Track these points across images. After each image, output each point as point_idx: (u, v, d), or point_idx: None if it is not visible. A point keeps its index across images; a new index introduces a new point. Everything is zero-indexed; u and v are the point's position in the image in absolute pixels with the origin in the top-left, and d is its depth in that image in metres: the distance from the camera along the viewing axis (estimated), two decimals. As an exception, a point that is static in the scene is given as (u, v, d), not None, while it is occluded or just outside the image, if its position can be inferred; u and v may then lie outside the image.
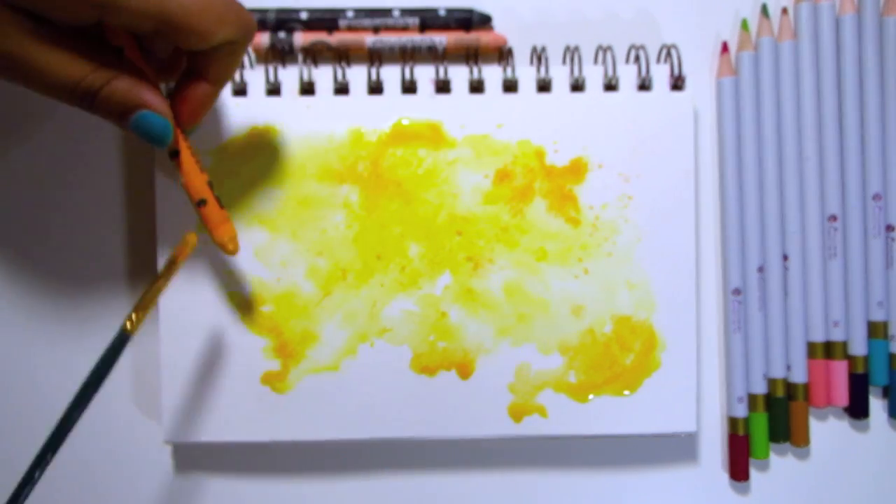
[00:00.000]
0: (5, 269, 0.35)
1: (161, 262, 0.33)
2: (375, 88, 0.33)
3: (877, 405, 0.36)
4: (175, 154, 0.28)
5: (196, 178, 0.28)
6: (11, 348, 0.35)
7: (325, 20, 0.35)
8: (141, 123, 0.25)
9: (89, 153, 0.35)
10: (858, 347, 0.35)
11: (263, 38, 0.35)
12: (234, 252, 0.29)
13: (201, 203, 0.29)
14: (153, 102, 0.25)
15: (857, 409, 0.36)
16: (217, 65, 0.26)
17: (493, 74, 0.33)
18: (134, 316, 0.27)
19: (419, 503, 0.36)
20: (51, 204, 0.35)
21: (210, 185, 0.29)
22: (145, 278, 0.35)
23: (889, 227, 0.35)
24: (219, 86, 0.27)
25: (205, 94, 0.27)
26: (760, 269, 0.35)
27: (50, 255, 0.35)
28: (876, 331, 0.35)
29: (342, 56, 0.34)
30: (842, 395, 0.36)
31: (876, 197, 0.35)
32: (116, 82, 0.24)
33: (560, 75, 0.34)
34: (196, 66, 0.26)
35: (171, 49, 0.28)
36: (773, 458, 0.37)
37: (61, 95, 0.24)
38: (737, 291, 0.35)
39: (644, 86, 0.34)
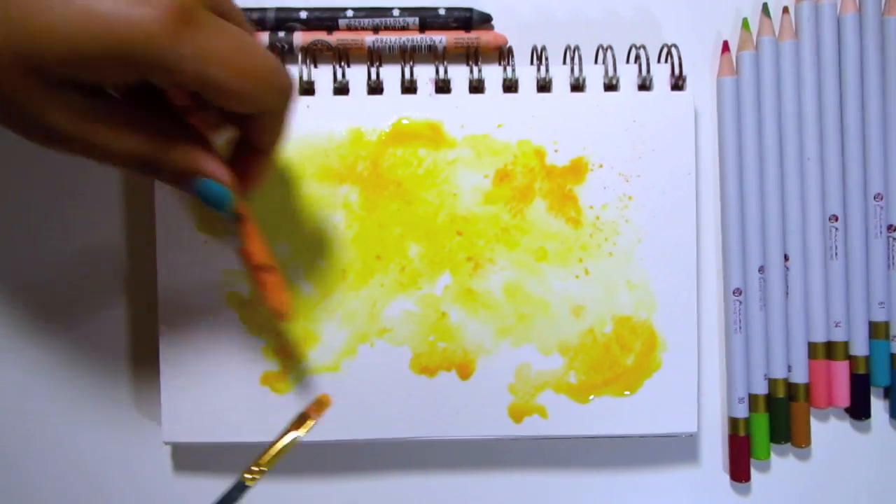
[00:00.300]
0: (5, 269, 0.35)
1: (161, 262, 0.33)
2: (375, 88, 0.33)
3: (878, 406, 0.36)
4: (237, 218, 0.27)
5: (259, 242, 0.27)
6: (9, 348, 0.35)
7: (325, 20, 0.35)
8: (202, 191, 0.24)
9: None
10: (860, 348, 0.35)
11: (263, 38, 0.35)
12: (288, 318, 0.30)
13: (263, 268, 0.28)
14: (213, 170, 0.24)
15: (859, 410, 0.36)
16: (264, 132, 0.25)
17: (493, 74, 0.33)
18: (256, 468, 0.27)
19: (419, 503, 0.36)
20: (51, 204, 0.35)
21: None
22: (145, 279, 0.35)
23: (890, 227, 0.35)
24: (268, 152, 0.26)
25: (257, 161, 0.26)
26: (761, 269, 0.35)
27: (50, 255, 0.35)
28: (877, 331, 0.35)
29: (342, 56, 0.34)
30: (843, 395, 0.35)
31: (877, 197, 0.35)
32: (174, 152, 0.24)
33: (560, 75, 0.33)
34: (244, 133, 0.26)
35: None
36: (774, 459, 0.36)
37: (121, 167, 0.24)
38: (737, 291, 0.35)
39: (644, 85, 0.33)
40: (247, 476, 0.27)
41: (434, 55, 0.35)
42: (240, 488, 0.27)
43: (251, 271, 0.28)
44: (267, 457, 0.27)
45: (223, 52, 0.22)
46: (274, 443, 0.28)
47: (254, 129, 0.25)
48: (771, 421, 0.35)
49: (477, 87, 0.33)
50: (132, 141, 0.23)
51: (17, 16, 0.20)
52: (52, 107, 0.21)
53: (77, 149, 0.23)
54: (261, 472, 0.27)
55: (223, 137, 0.27)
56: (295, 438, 0.28)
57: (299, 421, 0.29)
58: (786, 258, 0.35)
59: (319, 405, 0.29)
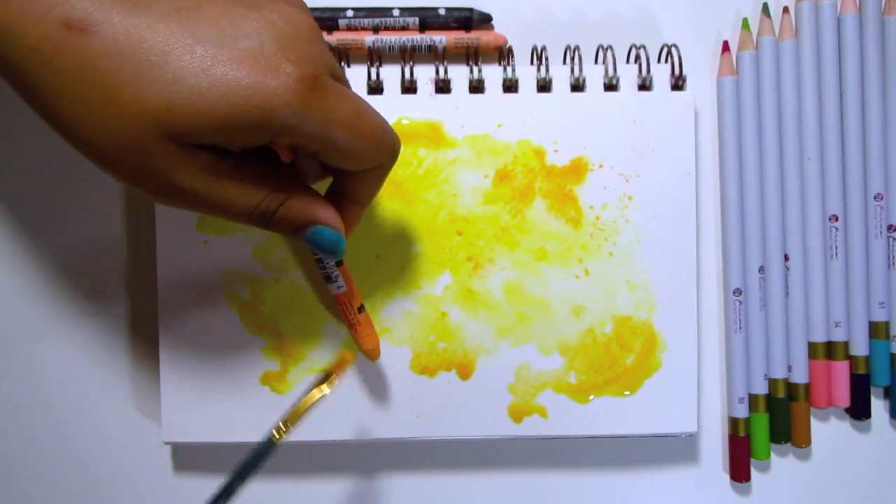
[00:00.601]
0: (4, 270, 0.35)
1: (161, 262, 0.33)
2: (375, 88, 0.33)
3: (878, 406, 0.36)
4: (340, 263, 0.29)
5: (354, 285, 0.30)
6: (9, 348, 0.35)
7: (325, 19, 0.35)
8: (316, 238, 0.26)
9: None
10: (860, 348, 0.35)
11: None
12: (376, 358, 0.32)
13: (361, 309, 0.31)
14: (327, 218, 0.26)
15: (859, 410, 0.36)
16: (365, 186, 0.27)
17: (493, 74, 0.33)
18: (283, 426, 0.27)
19: (419, 503, 0.36)
20: (52, 204, 0.35)
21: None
22: (145, 279, 0.35)
23: (891, 227, 0.35)
24: (365, 205, 0.27)
25: (353, 213, 0.27)
26: (761, 269, 0.35)
27: (51, 255, 0.35)
28: (877, 331, 0.35)
29: (342, 56, 0.34)
30: (843, 395, 0.35)
31: (877, 197, 0.35)
32: (290, 203, 0.25)
33: (560, 75, 0.33)
34: (343, 185, 0.27)
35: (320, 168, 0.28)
36: (774, 459, 0.36)
37: (238, 220, 0.24)
38: (738, 291, 0.35)
39: (644, 85, 0.33)
40: (275, 434, 0.27)
41: (434, 55, 0.35)
42: (268, 445, 0.27)
43: (348, 314, 0.30)
44: (294, 414, 0.28)
45: (345, 117, 0.23)
46: (300, 400, 0.28)
47: (356, 183, 0.26)
48: (771, 421, 0.35)
49: (477, 87, 0.33)
50: (251, 196, 0.24)
51: (159, 80, 0.21)
52: (184, 168, 0.22)
53: (202, 205, 0.23)
54: (288, 429, 0.28)
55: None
56: (323, 395, 0.28)
57: (322, 379, 0.29)
58: (786, 258, 0.35)
59: (342, 362, 0.29)
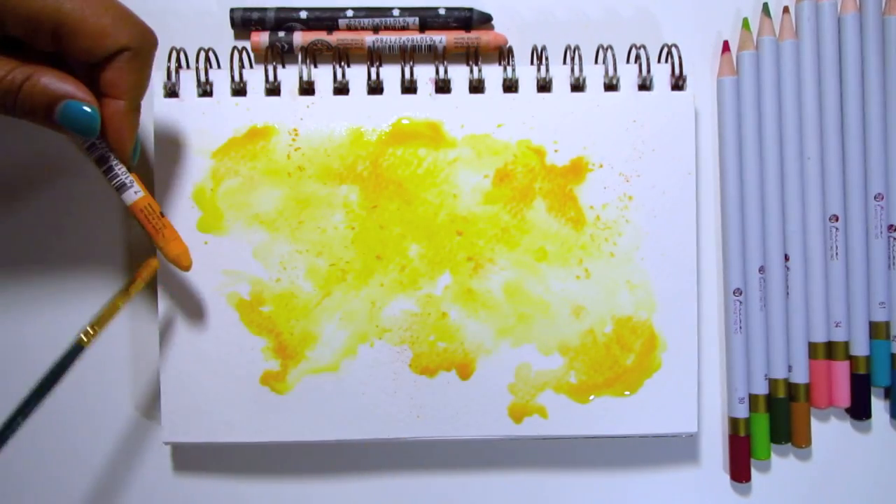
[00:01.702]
0: (4, 269, 0.35)
1: (161, 267, 0.33)
2: (375, 88, 0.33)
3: (878, 406, 0.36)
4: (131, 169, 0.29)
5: (146, 191, 0.29)
6: (9, 349, 0.35)
7: (325, 19, 0.35)
8: (67, 113, 0.25)
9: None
10: (860, 348, 0.35)
11: (263, 38, 0.35)
12: (187, 268, 0.31)
13: (154, 215, 0.30)
14: (76, 91, 0.25)
15: (859, 410, 0.36)
16: (119, 75, 0.26)
17: (493, 74, 0.33)
18: (90, 329, 0.28)
19: (419, 503, 0.36)
20: (52, 204, 0.35)
21: (161, 212, 0.30)
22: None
23: (891, 227, 0.35)
24: (129, 101, 0.27)
25: (118, 111, 0.27)
26: (761, 269, 0.35)
27: (51, 255, 0.35)
28: (878, 331, 0.35)
29: (342, 56, 0.34)
30: (843, 395, 0.35)
31: (878, 197, 0.35)
32: (38, 75, 0.24)
33: (560, 75, 0.33)
34: (104, 83, 0.26)
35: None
36: (775, 459, 0.36)
37: None
38: (738, 291, 0.35)
39: (645, 85, 0.33)
40: (83, 337, 0.28)
41: (434, 55, 0.35)
42: (76, 350, 0.28)
43: (151, 219, 0.29)
44: (101, 319, 0.29)
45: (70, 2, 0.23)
46: (107, 305, 0.29)
47: (111, 75, 0.26)
48: (771, 421, 0.35)
49: (477, 87, 0.33)
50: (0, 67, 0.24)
51: None
52: None
53: None
54: (96, 333, 0.28)
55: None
56: (129, 299, 0.29)
57: (128, 285, 0.30)
58: (786, 258, 0.35)
59: (147, 267, 0.30)
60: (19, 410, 0.27)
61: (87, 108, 0.25)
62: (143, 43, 0.26)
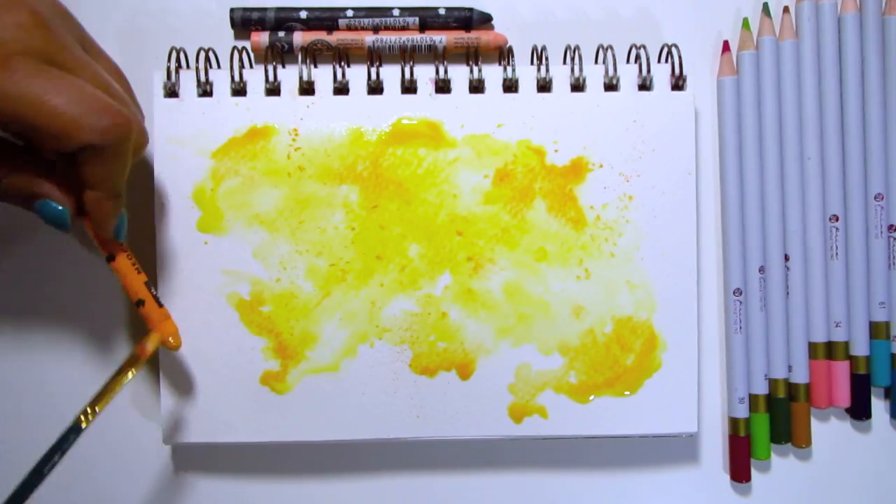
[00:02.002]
0: (4, 269, 0.35)
1: (161, 262, 0.33)
2: (375, 88, 0.33)
3: (878, 406, 0.36)
4: (111, 258, 0.30)
5: (134, 279, 0.30)
6: (8, 349, 0.35)
7: (325, 19, 0.35)
8: (41, 211, 0.27)
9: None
10: (860, 348, 0.35)
11: (263, 38, 0.35)
12: (176, 348, 0.31)
13: (140, 304, 0.30)
14: (50, 192, 0.27)
15: (859, 410, 0.36)
16: (89, 168, 0.26)
17: (493, 74, 0.33)
18: (89, 410, 0.28)
19: (419, 503, 0.36)
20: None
21: (147, 285, 0.30)
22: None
23: (891, 227, 0.35)
24: (103, 191, 0.27)
25: (96, 199, 0.27)
26: (761, 269, 0.35)
27: (50, 255, 0.35)
28: (878, 331, 0.35)
29: (342, 56, 0.34)
30: (843, 395, 0.35)
31: (878, 197, 0.35)
32: (14, 175, 0.27)
33: (560, 75, 0.33)
34: (79, 174, 0.27)
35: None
36: (775, 459, 0.36)
37: None
38: (738, 291, 0.35)
39: (645, 85, 0.33)
40: (81, 418, 0.28)
41: (434, 55, 0.35)
42: (75, 430, 0.28)
43: (134, 306, 0.30)
44: (101, 400, 0.29)
45: (29, 94, 0.24)
46: (107, 384, 0.29)
47: (80, 165, 0.26)
48: (771, 421, 0.35)
49: (477, 87, 0.33)
50: None
51: None
52: None
53: None
54: (94, 414, 0.28)
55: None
56: (130, 379, 0.29)
57: (130, 360, 0.30)
58: (786, 258, 0.35)
59: (148, 345, 0.30)
60: (12, 499, 0.26)
61: (58, 209, 0.27)
62: (109, 138, 0.26)
